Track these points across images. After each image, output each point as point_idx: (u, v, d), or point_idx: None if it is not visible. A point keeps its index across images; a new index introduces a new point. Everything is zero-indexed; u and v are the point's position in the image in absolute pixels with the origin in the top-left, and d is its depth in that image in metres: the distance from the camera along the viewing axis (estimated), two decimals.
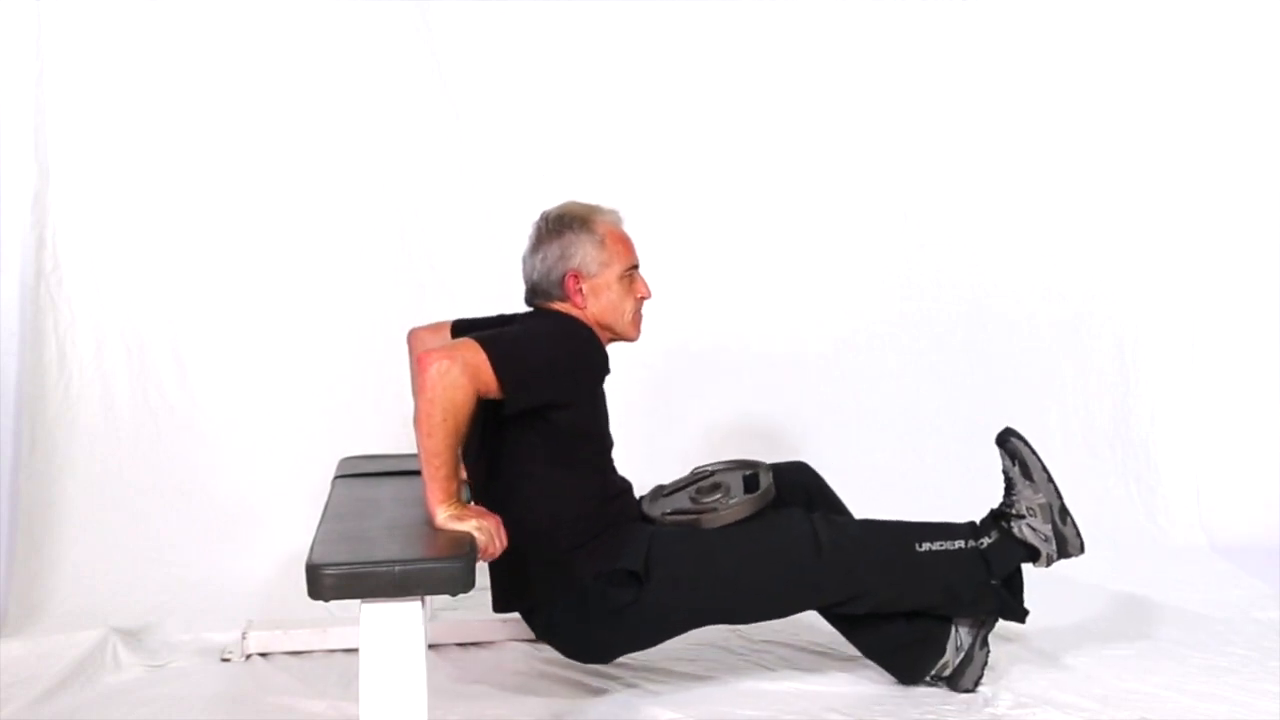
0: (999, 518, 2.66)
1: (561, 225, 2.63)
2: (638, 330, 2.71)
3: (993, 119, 4.18)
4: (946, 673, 2.69)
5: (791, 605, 2.65)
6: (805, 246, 4.15)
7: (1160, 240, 4.22)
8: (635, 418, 3.33)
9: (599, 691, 2.79)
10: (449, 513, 2.32)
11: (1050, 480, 2.66)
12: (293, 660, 2.99)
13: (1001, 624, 2.72)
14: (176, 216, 3.79)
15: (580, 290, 2.62)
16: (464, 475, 2.63)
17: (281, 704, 2.72)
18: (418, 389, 2.34)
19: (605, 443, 2.68)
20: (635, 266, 2.68)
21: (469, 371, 2.32)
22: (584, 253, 2.61)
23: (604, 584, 2.55)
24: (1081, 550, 2.67)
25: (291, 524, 3.48)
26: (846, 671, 2.81)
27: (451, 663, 2.99)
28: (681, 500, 2.73)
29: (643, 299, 2.69)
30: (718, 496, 2.69)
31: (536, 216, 2.69)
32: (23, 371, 3.58)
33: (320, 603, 2.12)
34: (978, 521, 2.68)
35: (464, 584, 2.11)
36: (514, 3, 3.94)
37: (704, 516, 2.64)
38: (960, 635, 2.67)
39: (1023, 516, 2.63)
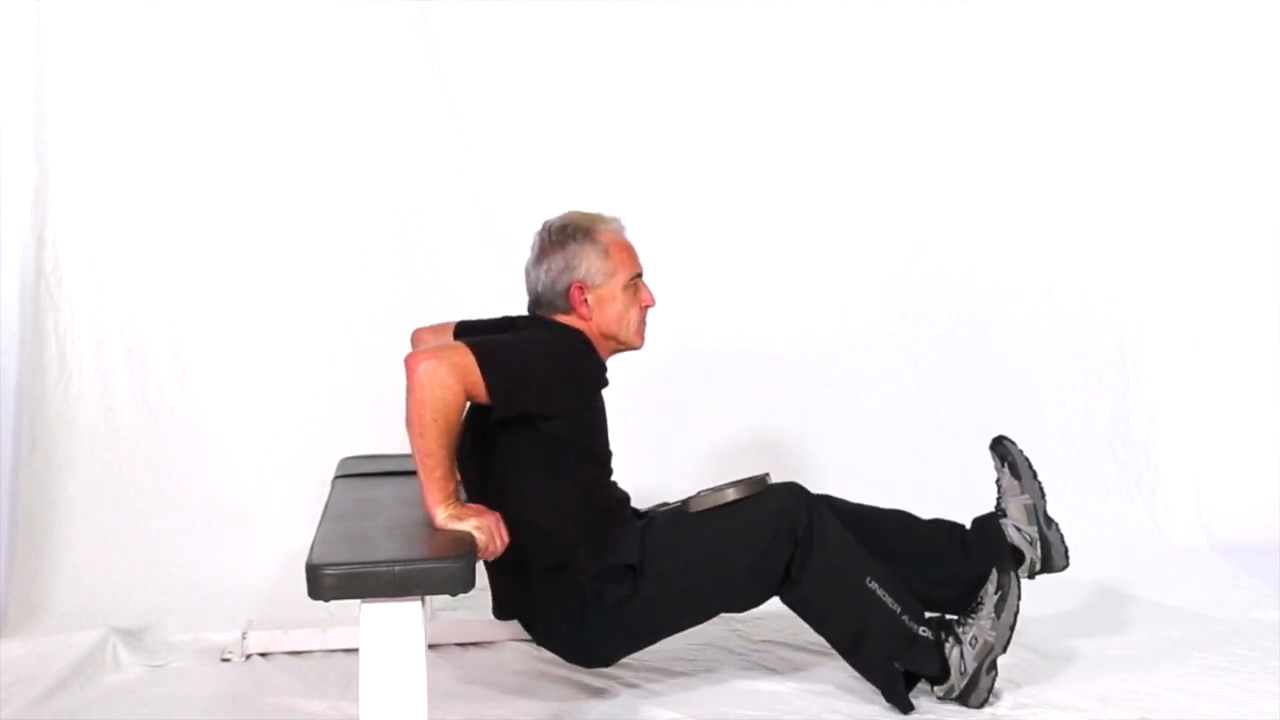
0: (944, 628, 2.62)
1: (565, 236, 2.62)
2: (642, 338, 2.70)
3: (993, 120, 4.18)
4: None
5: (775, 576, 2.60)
6: (805, 247, 4.14)
7: (1160, 240, 4.21)
8: (635, 418, 3.34)
9: (599, 691, 2.79)
10: (448, 512, 2.32)
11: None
12: (293, 660, 2.99)
13: None
14: (176, 217, 3.79)
15: (585, 301, 2.61)
16: (459, 475, 2.62)
17: (281, 704, 2.72)
18: (407, 389, 2.34)
19: (601, 455, 2.65)
20: (639, 275, 2.67)
21: (456, 372, 2.31)
22: (588, 263, 2.60)
23: (600, 583, 2.54)
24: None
25: (291, 524, 3.48)
26: (846, 672, 2.79)
27: (451, 663, 2.98)
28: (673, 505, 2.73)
29: (647, 307, 2.68)
30: (705, 490, 2.68)
31: (538, 225, 2.67)
32: (23, 371, 3.57)
33: (320, 603, 2.12)
34: (928, 615, 2.63)
35: (464, 584, 2.12)
36: (514, 3, 3.94)
37: (691, 501, 2.64)
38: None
39: (964, 640, 2.59)
